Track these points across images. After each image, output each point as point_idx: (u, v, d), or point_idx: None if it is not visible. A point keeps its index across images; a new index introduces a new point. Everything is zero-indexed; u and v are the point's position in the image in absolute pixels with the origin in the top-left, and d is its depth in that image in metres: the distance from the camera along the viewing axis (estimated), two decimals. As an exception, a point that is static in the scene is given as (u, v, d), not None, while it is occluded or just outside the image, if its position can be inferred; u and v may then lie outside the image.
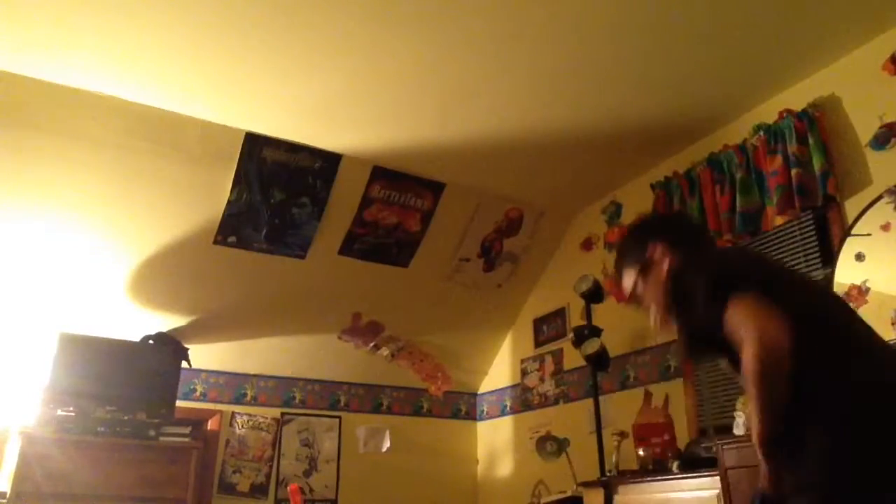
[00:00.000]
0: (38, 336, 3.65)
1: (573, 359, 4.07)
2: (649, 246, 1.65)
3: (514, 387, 4.74)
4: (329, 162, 3.73)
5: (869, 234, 2.68)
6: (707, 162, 3.40)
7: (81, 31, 2.77)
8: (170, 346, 3.88)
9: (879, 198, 2.68)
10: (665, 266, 1.61)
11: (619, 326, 3.81)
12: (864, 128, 2.83)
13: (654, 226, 1.80)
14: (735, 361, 1.37)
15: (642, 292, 1.67)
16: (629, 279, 1.70)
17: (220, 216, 3.70)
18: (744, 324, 1.30)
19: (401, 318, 4.51)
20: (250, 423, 4.30)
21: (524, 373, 4.65)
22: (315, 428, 4.49)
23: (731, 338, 1.33)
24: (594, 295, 3.67)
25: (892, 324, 2.52)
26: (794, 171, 2.91)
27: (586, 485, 3.24)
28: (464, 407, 5.05)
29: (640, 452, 3.12)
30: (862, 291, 2.66)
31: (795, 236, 3.05)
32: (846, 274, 2.72)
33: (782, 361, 1.26)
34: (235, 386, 4.32)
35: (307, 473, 4.38)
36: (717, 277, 1.42)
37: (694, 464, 2.72)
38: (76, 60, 2.95)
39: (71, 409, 3.43)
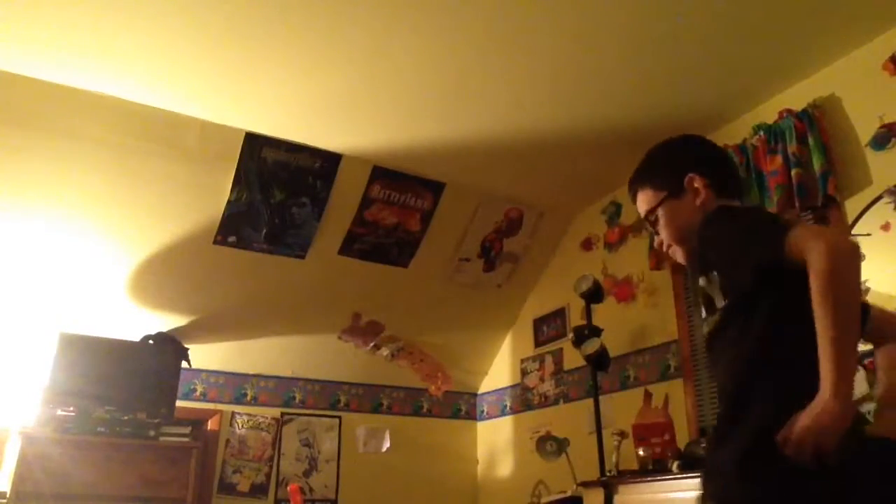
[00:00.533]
0: (38, 336, 3.66)
1: (573, 359, 4.06)
2: (688, 175, 1.52)
3: (514, 387, 4.74)
4: (329, 162, 3.73)
5: (869, 234, 2.68)
6: (707, 162, 3.40)
7: (81, 31, 2.77)
8: (170, 346, 3.89)
9: (879, 198, 2.67)
10: (698, 203, 1.50)
11: (619, 326, 3.81)
12: (864, 128, 2.82)
13: (701, 155, 1.61)
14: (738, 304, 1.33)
15: (660, 217, 1.56)
16: (652, 199, 1.57)
17: (220, 216, 3.70)
18: (815, 237, 1.21)
19: (401, 318, 4.51)
20: (250, 423, 4.31)
21: (524, 373, 4.65)
22: (315, 428, 4.49)
23: (795, 257, 1.21)
24: (594, 295, 3.67)
25: (892, 324, 2.51)
26: (794, 171, 2.91)
27: (586, 485, 3.24)
28: (464, 407, 5.05)
29: (640, 452, 3.12)
30: (862, 291, 2.65)
31: (795, 236, 3.04)
32: (846, 274, 2.72)
33: (856, 265, 1.20)
34: (235, 386, 4.32)
35: (307, 473, 4.38)
36: (771, 216, 1.34)
37: (694, 464, 2.72)
38: (76, 60, 2.95)
39: (71, 408, 3.43)
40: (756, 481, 1.20)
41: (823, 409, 1.11)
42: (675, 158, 1.61)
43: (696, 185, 1.51)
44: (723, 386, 1.40)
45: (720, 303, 1.40)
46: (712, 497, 1.31)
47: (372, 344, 4.54)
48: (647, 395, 3.60)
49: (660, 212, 1.56)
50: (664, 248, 1.59)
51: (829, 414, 1.10)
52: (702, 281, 1.45)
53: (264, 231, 3.80)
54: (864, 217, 2.71)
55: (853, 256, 1.20)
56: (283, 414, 4.42)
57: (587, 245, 4.32)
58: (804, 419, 1.13)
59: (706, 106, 3.33)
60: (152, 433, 3.53)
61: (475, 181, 4.05)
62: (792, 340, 1.25)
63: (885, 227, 2.63)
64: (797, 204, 2.89)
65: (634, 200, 1.64)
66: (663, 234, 1.57)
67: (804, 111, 2.96)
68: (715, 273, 1.40)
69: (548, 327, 4.54)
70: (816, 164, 2.86)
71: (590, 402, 3.61)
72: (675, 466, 2.78)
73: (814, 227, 1.28)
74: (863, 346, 2.49)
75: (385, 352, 4.59)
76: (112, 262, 3.68)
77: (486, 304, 4.66)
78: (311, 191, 3.79)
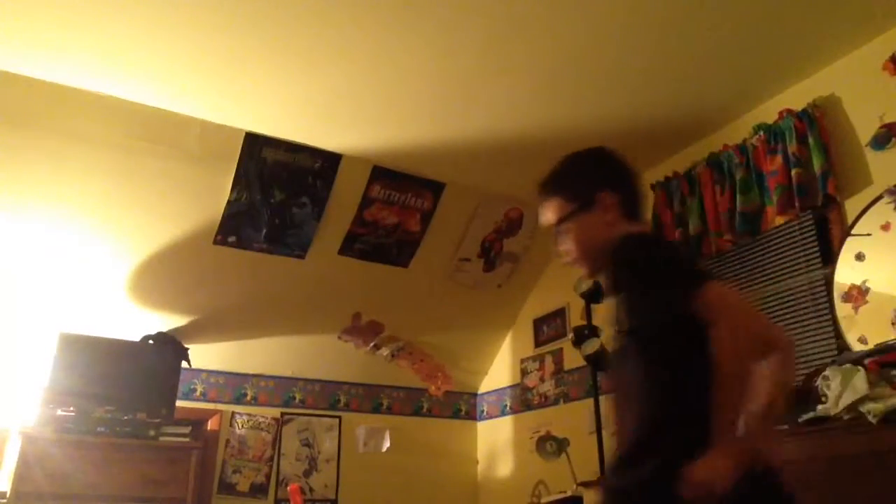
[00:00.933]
0: (38, 336, 3.65)
1: (573, 359, 4.06)
2: (600, 191, 1.56)
3: (514, 387, 4.74)
4: (329, 162, 3.73)
5: (869, 234, 2.68)
6: (707, 162, 3.40)
7: (81, 31, 2.77)
8: (170, 346, 3.88)
9: (879, 198, 2.67)
10: (606, 219, 1.54)
11: (619, 326, 3.81)
12: (864, 128, 2.83)
13: (613, 173, 1.66)
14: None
15: (568, 229, 1.58)
16: (562, 209, 1.60)
17: (220, 216, 3.70)
18: (733, 309, 1.29)
19: (401, 318, 4.51)
20: (250, 422, 4.30)
21: (524, 373, 4.65)
22: (315, 428, 4.49)
23: (705, 314, 1.29)
24: (594, 295, 3.67)
25: (893, 324, 2.51)
26: (794, 171, 2.91)
27: (586, 485, 3.24)
28: (464, 407, 5.05)
29: (640, 452, 3.12)
30: (862, 291, 2.66)
31: (795, 236, 3.04)
32: (846, 274, 2.72)
33: (753, 351, 1.28)
34: (235, 386, 4.32)
35: (307, 473, 4.37)
36: (690, 261, 1.39)
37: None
38: (76, 60, 2.95)
39: (71, 409, 3.43)
40: None
41: (714, 467, 1.21)
42: (590, 172, 1.66)
43: (607, 201, 1.55)
44: (630, 408, 1.43)
45: (624, 325, 1.45)
46: None
47: (372, 344, 4.54)
48: (647, 395, 3.60)
49: (568, 224, 1.58)
50: (565, 259, 1.62)
51: (719, 471, 1.21)
52: (610, 300, 1.50)
53: (264, 231, 3.80)
54: (864, 217, 2.71)
55: (751, 346, 1.28)
56: (283, 414, 4.42)
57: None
58: (698, 473, 1.22)
59: (706, 106, 3.33)
60: (152, 433, 3.53)
61: (475, 181, 4.05)
62: (700, 374, 1.28)
63: (885, 227, 2.63)
64: (797, 204, 2.89)
65: (542, 207, 1.67)
66: (568, 246, 1.59)
67: (804, 111, 2.96)
68: (623, 295, 1.44)
69: (548, 327, 4.54)
70: (816, 164, 2.86)
71: (590, 402, 3.61)
72: (675, 466, 2.78)
73: (722, 295, 1.32)
74: (865, 347, 2.50)
75: (385, 352, 4.59)
76: (112, 262, 3.67)
77: (486, 304, 4.66)
78: (311, 191, 3.78)
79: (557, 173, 1.70)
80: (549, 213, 1.63)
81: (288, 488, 4.10)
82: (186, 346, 3.94)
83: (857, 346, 2.56)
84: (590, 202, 1.56)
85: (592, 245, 1.54)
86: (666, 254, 1.50)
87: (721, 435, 1.24)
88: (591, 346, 3.50)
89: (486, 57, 2.97)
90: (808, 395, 2.21)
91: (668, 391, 1.35)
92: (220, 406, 4.24)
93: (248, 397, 4.35)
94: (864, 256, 2.68)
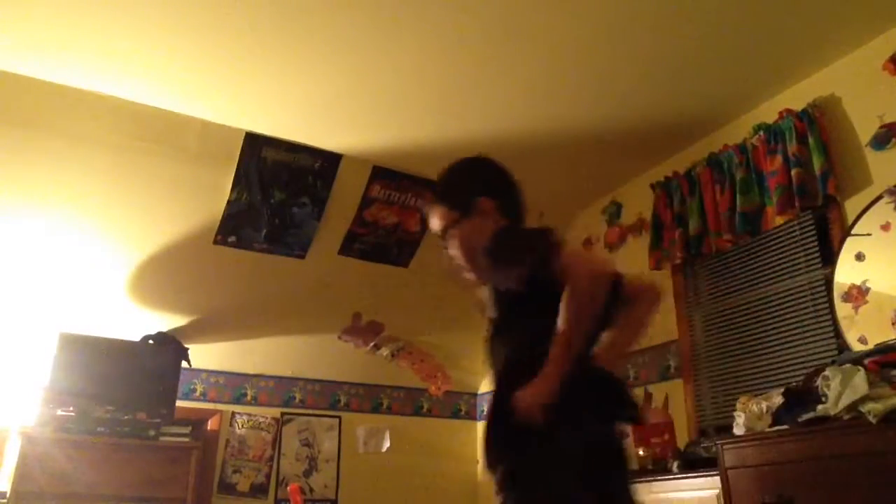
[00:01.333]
0: (38, 336, 3.65)
1: (573, 359, 4.06)
2: (480, 199, 1.69)
3: (514, 387, 4.74)
4: (329, 162, 3.73)
5: (869, 234, 2.68)
6: (707, 162, 3.40)
7: (81, 31, 2.77)
8: (170, 346, 3.88)
9: (879, 198, 2.67)
10: (488, 224, 1.65)
11: (619, 326, 3.81)
12: (864, 128, 2.83)
13: (492, 180, 1.80)
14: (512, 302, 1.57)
15: (453, 236, 1.70)
16: (446, 217, 1.72)
17: (220, 216, 3.69)
18: (584, 259, 1.52)
19: (401, 318, 4.51)
20: (250, 422, 4.30)
21: (524, 373, 4.64)
22: (315, 428, 4.49)
23: (560, 273, 1.45)
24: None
25: (893, 324, 2.51)
26: (794, 171, 2.91)
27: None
28: (464, 407, 5.05)
29: (640, 452, 3.12)
30: (862, 291, 2.66)
31: (795, 236, 3.05)
32: (846, 274, 2.72)
33: (606, 290, 1.47)
34: (235, 386, 4.32)
35: (307, 473, 4.37)
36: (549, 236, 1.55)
37: (694, 464, 2.72)
38: (76, 60, 2.95)
39: (71, 408, 3.42)
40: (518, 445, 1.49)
41: (533, 387, 1.42)
42: (468, 181, 1.79)
43: (485, 207, 1.68)
44: (499, 373, 1.61)
45: (492, 312, 1.63)
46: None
47: (372, 344, 4.54)
48: (647, 395, 3.60)
49: (453, 231, 1.71)
50: (453, 265, 1.73)
51: (536, 391, 1.41)
52: (485, 291, 1.67)
53: (264, 231, 3.80)
54: (864, 217, 2.71)
55: (606, 284, 1.48)
56: (283, 414, 4.42)
57: (587, 245, 4.32)
58: (520, 393, 1.43)
59: (706, 106, 3.33)
60: (152, 433, 3.53)
61: (475, 181, 4.04)
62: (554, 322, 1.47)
63: (885, 227, 2.63)
64: (797, 204, 2.89)
65: (430, 215, 1.78)
66: (454, 252, 1.72)
67: (804, 111, 2.96)
68: (492, 284, 1.62)
69: (548, 327, 4.53)
70: (816, 164, 2.86)
71: (590, 402, 3.61)
72: (675, 466, 2.79)
73: (582, 252, 1.48)
74: (865, 347, 2.51)
75: (385, 352, 4.59)
76: (112, 262, 3.67)
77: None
78: (311, 191, 3.78)
79: (440, 184, 1.82)
80: (435, 222, 1.76)
81: (288, 488, 4.10)
82: (186, 346, 3.94)
83: (857, 346, 2.56)
84: (469, 209, 1.69)
85: (477, 248, 1.65)
86: (525, 233, 1.66)
87: (550, 362, 1.43)
88: (591, 346, 3.50)
89: (485, 57, 2.97)
90: (808, 395, 2.21)
91: (529, 337, 1.52)
92: (220, 406, 4.24)
93: (248, 397, 4.35)
94: (864, 256, 2.68)
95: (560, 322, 1.43)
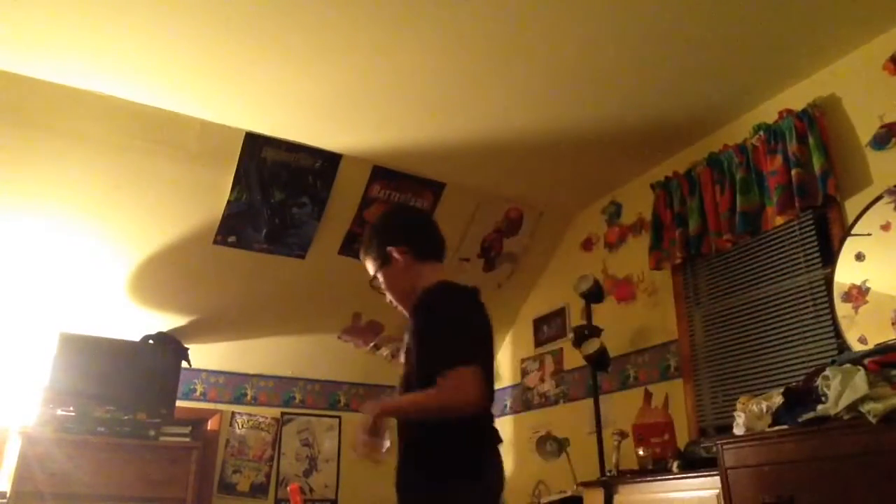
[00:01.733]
0: (38, 336, 3.65)
1: (573, 359, 4.07)
2: (389, 248, 1.97)
3: (514, 387, 4.74)
4: (329, 162, 3.73)
5: (869, 234, 2.68)
6: (707, 162, 3.40)
7: (81, 31, 2.77)
8: (170, 346, 3.88)
9: (879, 198, 2.67)
10: (403, 267, 1.97)
11: (619, 326, 3.81)
12: (864, 128, 2.83)
13: (399, 227, 2.06)
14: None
15: (381, 282, 2.05)
16: (372, 267, 2.06)
17: (220, 216, 3.69)
18: (463, 383, 1.66)
19: (401, 318, 4.48)
20: (250, 422, 4.31)
21: (524, 373, 4.65)
22: (315, 428, 4.49)
23: (433, 370, 1.68)
24: (594, 295, 3.67)
25: (893, 324, 2.51)
26: (794, 171, 2.91)
27: (586, 485, 3.24)
28: (464, 407, 5.04)
29: (640, 452, 3.12)
30: (862, 291, 2.66)
31: (795, 236, 3.05)
32: (846, 274, 2.72)
33: (461, 412, 1.68)
34: (235, 386, 4.32)
35: (307, 473, 4.38)
36: (465, 338, 1.78)
37: (694, 464, 2.72)
38: (76, 60, 2.95)
39: (71, 408, 3.43)
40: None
41: (372, 407, 1.79)
42: (380, 233, 2.05)
43: (395, 255, 1.97)
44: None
45: (407, 357, 1.89)
46: None
47: (372, 344, 4.53)
48: (647, 395, 3.60)
49: (380, 278, 2.04)
50: (397, 306, 2.07)
51: (378, 405, 1.78)
52: (406, 335, 1.94)
53: (264, 231, 3.80)
54: (864, 217, 2.71)
55: (465, 410, 1.69)
56: (283, 414, 4.42)
57: (587, 245, 4.32)
58: (365, 407, 1.81)
59: (706, 106, 3.33)
60: (152, 433, 3.53)
61: (475, 181, 4.04)
62: None
63: (886, 227, 2.63)
64: (797, 204, 2.89)
65: (364, 264, 2.09)
66: (388, 295, 2.08)
67: (804, 111, 2.96)
68: (418, 334, 1.85)
69: (548, 327, 4.54)
70: (816, 164, 2.86)
71: (590, 401, 3.61)
72: (675, 466, 2.79)
73: (472, 378, 1.70)
74: (865, 347, 2.50)
75: (385, 352, 4.58)
76: (112, 261, 3.67)
77: (486, 304, 4.64)
78: (311, 191, 3.79)
79: (363, 238, 2.12)
80: (368, 269, 2.08)
81: (288, 488, 4.10)
82: (186, 346, 3.94)
83: (857, 346, 2.56)
84: (386, 259, 2.00)
85: (401, 290, 2.01)
86: (456, 312, 1.87)
87: (401, 399, 1.84)
88: (591, 346, 3.50)
89: (485, 57, 2.97)
90: (808, 395, 2.21)
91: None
92: (220, 406, 4.24)
93: (248, 397, 4.35)
94: (864, 256, 2.68)
95: (416, 396, 1.75)
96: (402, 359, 1.96)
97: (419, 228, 2.10)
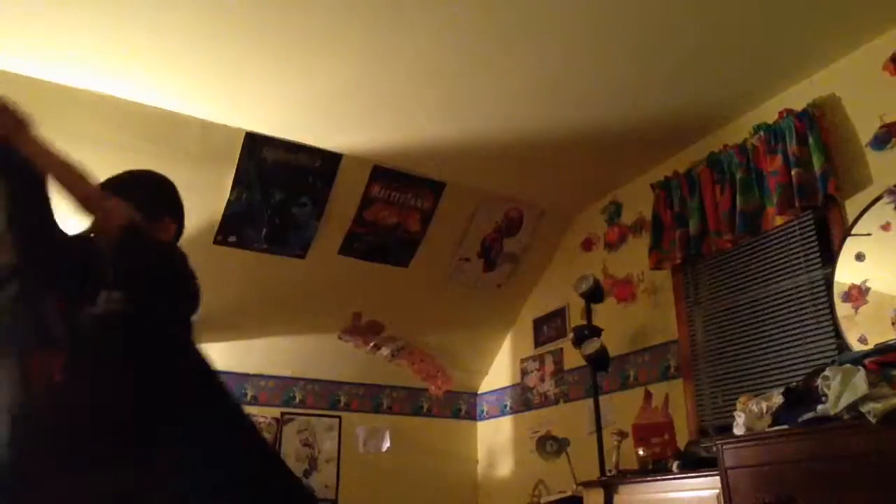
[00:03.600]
0: (38, 336, 3.65)
1: (573, 359, 4.07)
2: (165, 217, 2.02)
3: (514, 387, 4.74)
4: (329, 162, 3.73)
5: (869, 234, 2.68)
6: (707, 162, 3.40)
7: (81, 31, 2.77)
8: (170, 346, 3.88)
9: (879, 198, 2.67)
10: (168, 237, 2.01)
11: (619, 326, 3.81)
12: (864, 128, 2.83)
13: (173, 202, 2.13)
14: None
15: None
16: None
17: (220, 216, 3.70)
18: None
19: (401, 318, 4.51)
20: (250, 422, 4.30)
21: (524, 373, 4.65)
22: (315, 428, 4.49)
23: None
24: (594, 295, 3.67)
25: (893, 324, 2.51)
26: (794, 171, 2.91)
27: (586, 485, 3.24)
28: (464, 407, 5.05)
29: (640, 452, 3.12)
30: (862, 291, 2.66)
31: (795, 236, 3.05)
32: (846, 274, 2.72)
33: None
34: (235, 386, 4.32)
35: (307, 473, 4.37)
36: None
37: (694, 464, 2.72)
38: (76, 60, 2.95)
39: (71, 408, 3.42)
40: None
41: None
42: (161, 201, 2.13)
43: (166, 226, 2.06)
44: None
45: None
46: None
47: (372, 344, 4.54)
48: (647, 395, 3.61)
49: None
50: None
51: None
52: None
53: (264, 231, 3.80)
54: (864, 217, 2.71)
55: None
56: (283, 414, 4.42)
57: (587, 245, 4.32)
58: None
59: (706, 106, 3.33)
60: (152, 433, 3.52)
61: (475, 181, 4.04)
62: None
63: (886, 227, 2.63)
64: (797, 204, 2.89)
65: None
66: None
67: (804, 111, 2.96)
68: None
69: (548, 327, 4.54)
70: (816, 164, 2.86)
71: (590, 402, 3.61)
72: (675, 466, 2.79)
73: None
74: (865, 347, 2.50)
75: (385, 352, 4.59)
76: (112, 261, 3.67)
77: (486, 304, 4.66)
78: (311, 190, 3.78)
79: (137, 186, 2.11)
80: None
81: (288, 488, 4.09)
82: (186, 346, 3.94)
83: (857, 346, 2.56)
84: (156, 224, 2.00)
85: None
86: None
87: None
88: (591, 346, 3.50)
89: (485, 57, 2.97)
90: (808, 395, 2.21)
91: None
92: (220, 406, 4.23)
93: (248, 397, 4.35)
94: (864, 256, 2.68)
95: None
96: None
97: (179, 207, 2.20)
